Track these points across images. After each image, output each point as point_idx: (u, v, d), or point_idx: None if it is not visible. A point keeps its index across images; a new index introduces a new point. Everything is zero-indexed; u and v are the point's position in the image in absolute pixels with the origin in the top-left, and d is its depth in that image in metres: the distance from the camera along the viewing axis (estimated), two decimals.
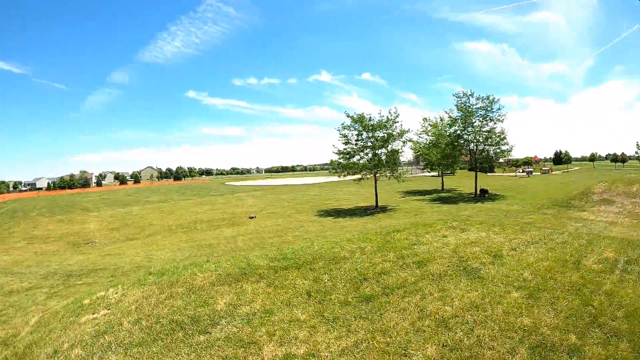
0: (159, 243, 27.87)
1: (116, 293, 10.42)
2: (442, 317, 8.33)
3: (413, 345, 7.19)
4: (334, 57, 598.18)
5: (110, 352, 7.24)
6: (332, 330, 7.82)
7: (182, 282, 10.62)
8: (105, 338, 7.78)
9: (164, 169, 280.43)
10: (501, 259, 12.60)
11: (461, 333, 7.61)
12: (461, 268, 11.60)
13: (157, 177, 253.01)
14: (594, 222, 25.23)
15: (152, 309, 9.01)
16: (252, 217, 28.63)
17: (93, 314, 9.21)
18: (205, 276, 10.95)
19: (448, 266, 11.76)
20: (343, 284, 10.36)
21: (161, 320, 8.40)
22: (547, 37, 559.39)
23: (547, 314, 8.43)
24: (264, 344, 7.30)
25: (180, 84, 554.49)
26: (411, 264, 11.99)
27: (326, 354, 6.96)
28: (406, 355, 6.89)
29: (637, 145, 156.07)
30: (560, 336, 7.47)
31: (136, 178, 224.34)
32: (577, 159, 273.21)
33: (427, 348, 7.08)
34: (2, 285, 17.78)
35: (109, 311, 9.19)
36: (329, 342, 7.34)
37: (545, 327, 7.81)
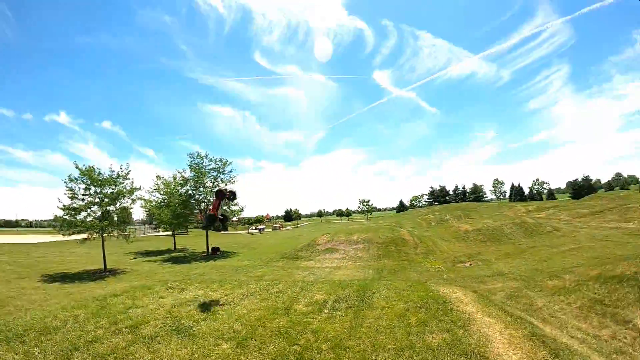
0: None
1: None
2: None
3: None
4: (76, 97, 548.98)
5: None
6: None
7: None
8: None
9: None
10: (214, 314, 12.94)
11: None
12: (174, 328, 11.50)
13: None
14: (319, 269, 27.71)
15: None
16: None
17: None
18: None
19: (161, 327, 11.53)
20: (54, 356, 9.25)
21: None
22: (287, 110, 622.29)
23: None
24: None
25: None
26: (124, 328, 11.36)
27: None
28: None
29: (359, 201, 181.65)
30: None
31: None
32: (307, 216, 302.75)
33: None
34: None
35: None
36: None
37: None
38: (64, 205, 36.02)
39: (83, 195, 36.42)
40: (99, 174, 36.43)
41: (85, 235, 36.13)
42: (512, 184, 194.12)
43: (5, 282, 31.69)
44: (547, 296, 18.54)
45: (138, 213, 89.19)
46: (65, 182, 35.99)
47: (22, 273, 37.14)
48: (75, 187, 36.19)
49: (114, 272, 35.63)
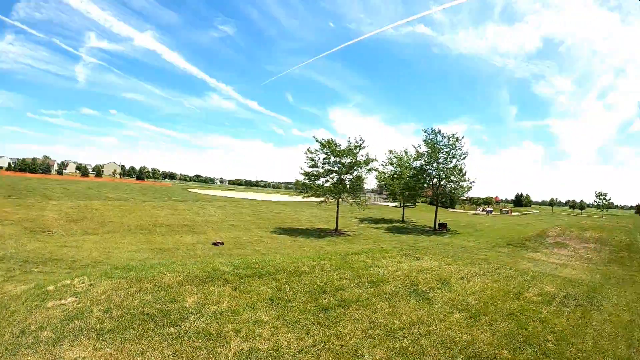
0: (117, 241, 27.45)
1: (82, 282, 10.74)
2: (391, 328, 9.59)
3: (364, 349, 8.34)
4: None
5: (82, 336, 7.74)
6: (292, 332, 8.87)
7: (150, 279, 11.18)
8: (75, 323, 8.26)
9: (127, 167, 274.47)
10: (449, 285, 14.28)
11: (407, 342, 8.83)
12: (412, 290, 13.09)
13: (120, 174, 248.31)
14: (545, 263, 26.85)
15: (121, 300, 9.55)
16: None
17: (60, 300, 9.55)
18: (173, 276, 11.58)
19: (400, 287, 13.21)
20: (303, 295, 11.47)
21: (132, 311, 9.02)
22: None
23: (484, 333, 9.80)
24: (230, 339, 8.19)
25: None
26: (366, 282, 13.37)
27: (287, 350, 7.97)
28: (357, 356, 8.03)
29: (596, 194, 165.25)
30: (495, 351, 8.80)
31: (98, 172, 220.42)
32: (537, 203, 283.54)
33: (377, 352, 8.25)
34: None
35: (77, 299, 9.58)
36: (289, 341, 8.39)
37: (482, 343, 9.15)
38: (305, 172, 41.21)
39: (323, 164, 41.24)
40: (337, 145, 40.93)
41: (322, 199, 40.75)
42: None
43: (245, 230, 37.75)
44: None
45: (370, 183, 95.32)
46: (306, 153, 41.23)
47: (261, 224, 43.49)
48: (315, 157, 41.45)
49: (342, 233, 39.83)
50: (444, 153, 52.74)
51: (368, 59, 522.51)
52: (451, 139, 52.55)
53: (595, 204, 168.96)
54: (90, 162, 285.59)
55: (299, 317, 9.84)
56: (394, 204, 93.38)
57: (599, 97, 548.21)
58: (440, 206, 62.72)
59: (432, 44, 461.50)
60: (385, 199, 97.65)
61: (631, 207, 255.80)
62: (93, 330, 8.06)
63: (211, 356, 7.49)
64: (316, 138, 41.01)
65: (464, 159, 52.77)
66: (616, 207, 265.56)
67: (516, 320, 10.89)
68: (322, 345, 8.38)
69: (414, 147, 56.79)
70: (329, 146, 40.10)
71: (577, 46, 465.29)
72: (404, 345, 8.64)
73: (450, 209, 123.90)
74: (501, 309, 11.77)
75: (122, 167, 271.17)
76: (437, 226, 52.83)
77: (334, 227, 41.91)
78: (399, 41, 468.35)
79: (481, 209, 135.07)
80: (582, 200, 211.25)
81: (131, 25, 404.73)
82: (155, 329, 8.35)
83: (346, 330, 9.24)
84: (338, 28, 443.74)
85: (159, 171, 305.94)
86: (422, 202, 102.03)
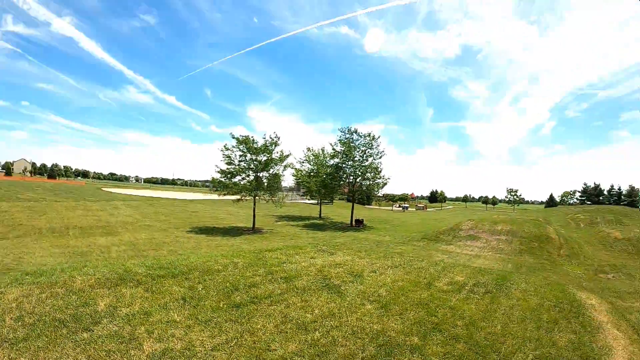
0: (28, 246, 25.77)
1: None
2: (303, 322, 9.62)
3: (276, 343, 8.32)
4: None
5: None
6: (205, 330, 8.70)
7: (62, 283, 10.58)
8: None
9: (38, 164, 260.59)
10: (361, 278, 14.63)
11: (319, 334, 8.90)
12: (324, 284, 13.26)
13: (31, 172, 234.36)
14: (458, 255, 28.15)
15: (33, 307, 8.99)
16: None
17: None
18: (85, 279, 11.00)
19: (312, 282, 13.35)
20: (215, 293, 11.23)
21: (44, 318, 8.53)
22: None
23: (395, 322, 10.09)
24: (143, 340, 7.93)
25: None
26: (279, 278, 13.38)
27: (200, 348, 7.83)
28: (270, 350, 7.98)
29: (507, 190, 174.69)
30: (405, 338, 9.08)
31: (8, 169, 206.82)
32: (451, 199, 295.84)
33: (289, 345, 8.25)
34: None
35: None
36: (202, 340, 8.22)
37: (392, 331, 9.41)
38: (220, 170, 40.41)
39: (239, 161, 40.57)
40: (254, 142, 40.64)
41: (238, 197, 40.17)
42: None
43: (161, 230, 36.42)
44: None
45: (288, 180, 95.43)
46: (222, 150, 40.43)
47: (177, 224, 42.11)
48: (231, 154, 40.77)
49: (260, 231, 39.40)
50: (360, 152, 53.97)
51: (290, 57, 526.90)
52: (367, 137, 53.84)
53: (507, 199, 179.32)
54: None
55: (212, 315, 9.64)
56: (312, 201, 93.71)
57: (512, 102, 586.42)
58: (357, 203, 63.96)
59: (354, 45, 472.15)
60: (302, 196, 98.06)
61: (541, 202, 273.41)
62: (6, 340, 7.58)
63: (125, 359, 7.25)
64: (232, 135, 40.39)
65: (380, 157, 54.17)
66: (527, 202, 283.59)
67: (426, 309, 11.31)
68: (234, 341, 8.27)
69: (330, 145, 57.63)
70: (246, 143, 39.64)
71: (495, 54, 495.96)
72: (316, 337, 8.71)
73: (367, 206, 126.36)
74: (412, 299, 12.22)
75: (33, 164, 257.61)
76: (353, 222, 53.92)
77: (251, 226, 41.60)
78: (322, 41, 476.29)
79: (397, 205, 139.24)
80: (494, 197, 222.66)
81: (50, 9, 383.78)
82: (68, 335, 7.95)
83: (259, 326, 9.16)
84: (262, 24, 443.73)
85: (72, 169, 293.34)
86: (339, 199, 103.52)
